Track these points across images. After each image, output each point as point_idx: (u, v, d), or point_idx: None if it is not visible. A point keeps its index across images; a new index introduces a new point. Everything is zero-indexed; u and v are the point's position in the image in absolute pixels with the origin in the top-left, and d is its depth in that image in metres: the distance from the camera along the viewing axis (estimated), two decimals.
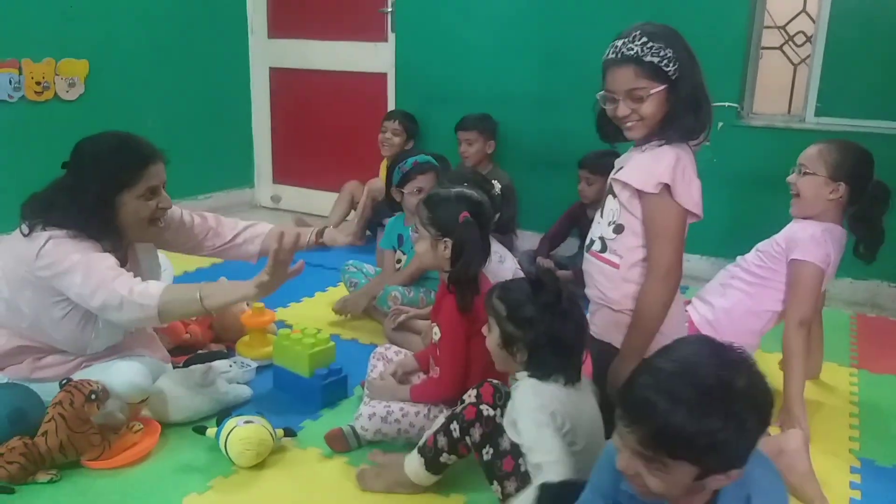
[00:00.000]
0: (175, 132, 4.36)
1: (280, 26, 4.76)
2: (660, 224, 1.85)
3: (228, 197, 4.83)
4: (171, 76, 4.33)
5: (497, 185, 2.58)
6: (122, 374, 2.07)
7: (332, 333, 2.60)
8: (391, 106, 4.39)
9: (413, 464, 1.86)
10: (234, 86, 4.81)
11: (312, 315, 3.07)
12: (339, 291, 3.27)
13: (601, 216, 1.99)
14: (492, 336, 1.80)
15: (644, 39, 1.78)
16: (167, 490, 1.90)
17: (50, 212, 2.05)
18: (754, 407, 1.23)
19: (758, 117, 3.68)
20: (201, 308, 2.02)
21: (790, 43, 4.75)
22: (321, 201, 4.41)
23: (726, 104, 3.49)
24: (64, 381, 1.98)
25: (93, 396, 1.94)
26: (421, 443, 1.86)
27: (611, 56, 1.83)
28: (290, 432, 2.11)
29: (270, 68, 4.84)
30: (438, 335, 2.09)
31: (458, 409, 1.81)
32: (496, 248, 2.58)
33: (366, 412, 2.06)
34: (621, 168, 1.95)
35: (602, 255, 1.96)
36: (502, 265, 2.56)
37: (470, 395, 1.88)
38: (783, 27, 4.73)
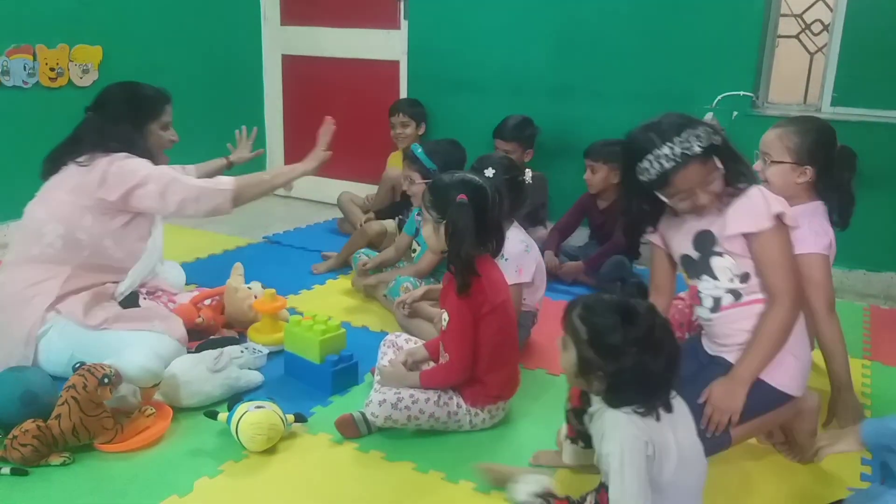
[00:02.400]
0: (187, 118, 4.34)
1: (293, 13, 4.75)
2: (779, 254, 1.88)
3: None
4: (185, 62, 4.34)
5: (528, 173, 2.59)
6: (134, 359, 2.10)
7: (343, 321, 2.61)
8: (403, 93, 4.38)
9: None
10: (247, 73, 4.81)
11: (323, 302, 3.08)
12: (350, 280, 3.28)
13: (716, 279, 1.96)
14: (567, 356, 1.58)
15: (684, 135, 1.82)
16: (179, 474, 1.92)
17: (102, 141, 2.37)
18: None
19: (773, 106, 3.65)
20: (271, 186, 2.63)
21: (807, 31, 4.69)
22: (332, 189, 4.40)
23: (741, 93, 3.47)
24: (77, 365, 2.00)
25: (105, 380, 1.95)
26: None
27: (668, 166, 1.83)
28: (300, 418, 2.12)
29: (283, 55, 4.84)
30: (447, 320, 2.09)
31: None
32: (522, 236, 2.59)
33: (376, 399, 2.06)
34: (703, 232, 1.95)
35: (741, 302, 1.95)
36: (527, 254, 2.56)
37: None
38: (800, 15, 4.68)
